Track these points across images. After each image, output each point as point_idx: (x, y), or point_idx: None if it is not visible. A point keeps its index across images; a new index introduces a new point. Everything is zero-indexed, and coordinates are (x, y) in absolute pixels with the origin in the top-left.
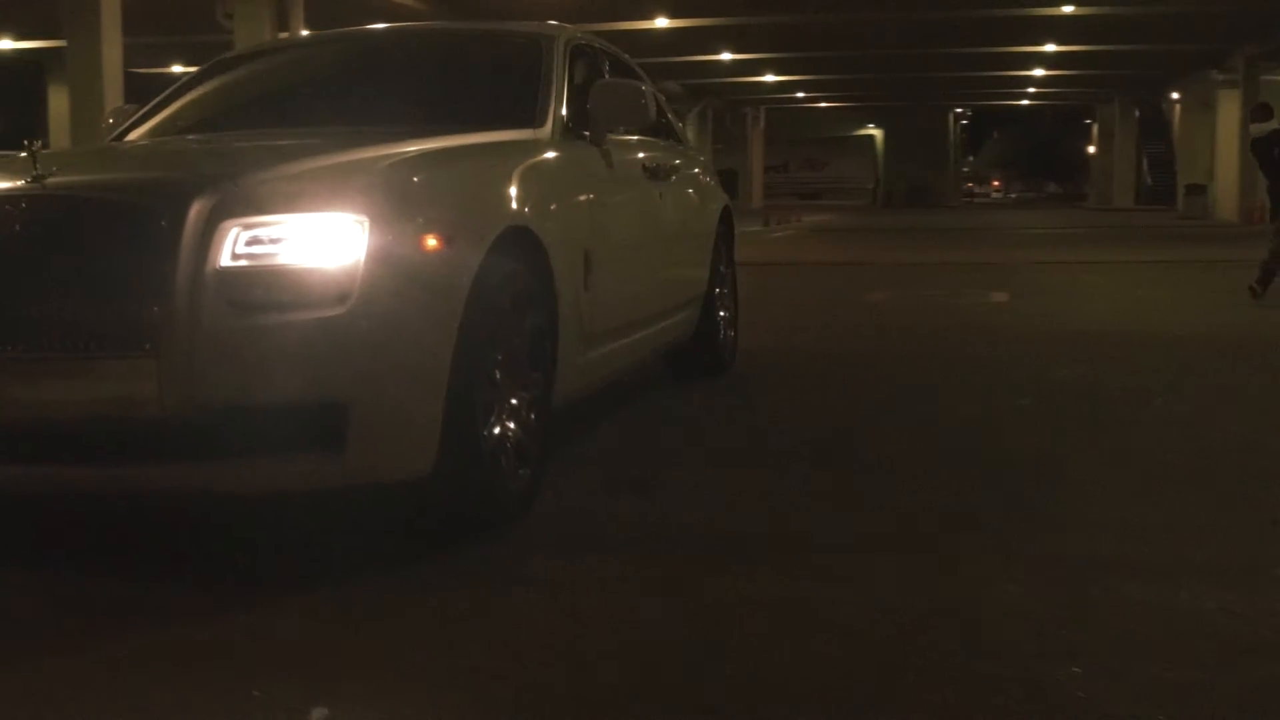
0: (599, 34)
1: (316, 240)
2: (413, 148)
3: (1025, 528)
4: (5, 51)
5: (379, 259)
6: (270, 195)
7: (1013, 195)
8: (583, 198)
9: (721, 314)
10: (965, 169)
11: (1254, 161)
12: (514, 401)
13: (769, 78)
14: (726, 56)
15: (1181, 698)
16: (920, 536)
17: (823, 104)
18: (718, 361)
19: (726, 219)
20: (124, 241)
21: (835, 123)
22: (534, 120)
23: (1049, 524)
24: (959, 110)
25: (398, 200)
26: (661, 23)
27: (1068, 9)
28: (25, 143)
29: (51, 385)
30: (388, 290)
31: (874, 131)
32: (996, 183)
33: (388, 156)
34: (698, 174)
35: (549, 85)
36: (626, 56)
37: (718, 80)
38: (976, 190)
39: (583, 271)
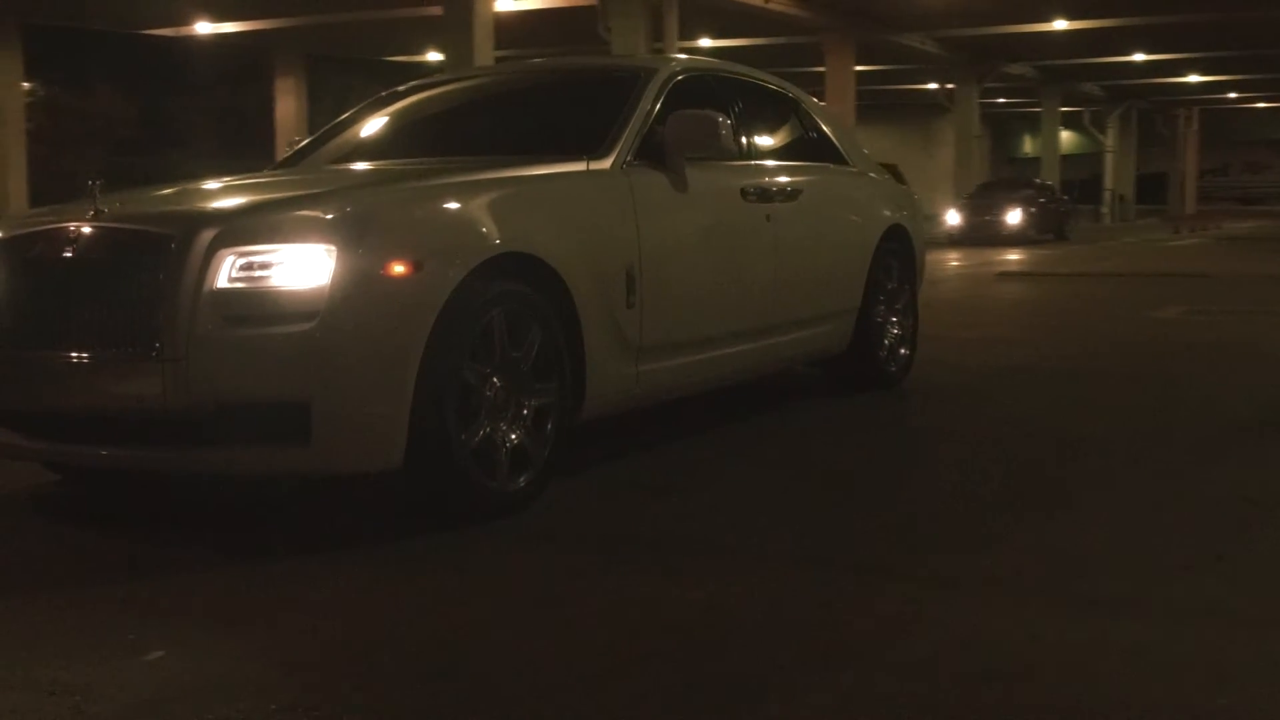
0: (993, 37)
1: (293, 266)
2: (409, 184)
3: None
4: (432, 63)
5: (344, 282)
6: (260, 227)
7: None
8: (628, 221)
9: (893, 330)
10: None
11: None
12: (520, 410)
13: (1193, 78)
14: (1139, 57)
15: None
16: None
17: (1260, 104)
18: (877, 376)
19: (897, 237)
20: (145, 264)
21: (1278, 124)
22: (599, 150)
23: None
24: None
25: (365, 231)
26: (1060, 25)
27: None
28: (89, 182)
29: (89, 382)
30: (351, 308)
31: None
32: None
33: (376, 191)
34: (851, 194)
35: (626, 117)
36: (778, 84)
37: (1138, 82)
38: None
39: (623, 290)
